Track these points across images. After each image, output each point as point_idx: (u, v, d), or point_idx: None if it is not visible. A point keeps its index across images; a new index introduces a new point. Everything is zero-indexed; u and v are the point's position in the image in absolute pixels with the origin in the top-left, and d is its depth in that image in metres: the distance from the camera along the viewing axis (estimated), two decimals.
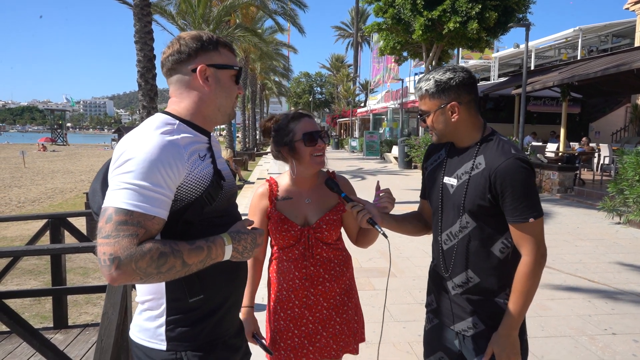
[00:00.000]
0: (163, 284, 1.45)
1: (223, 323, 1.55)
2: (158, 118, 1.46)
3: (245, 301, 2.13)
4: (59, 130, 67.18)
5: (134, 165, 1.29)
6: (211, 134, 1.64)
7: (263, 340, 2.14)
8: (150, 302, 1.48)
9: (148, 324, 1.48)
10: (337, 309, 2.18)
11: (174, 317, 1.46)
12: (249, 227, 1.53)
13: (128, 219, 1.25)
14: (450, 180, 1.90)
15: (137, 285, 1.51)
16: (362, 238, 2.25)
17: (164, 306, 1.46)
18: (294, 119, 2.08)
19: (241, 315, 1.96)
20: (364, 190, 14.62)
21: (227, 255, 1.42)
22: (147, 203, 1.28)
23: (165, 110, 1.53)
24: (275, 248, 2.18)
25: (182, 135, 1.43)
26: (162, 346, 1.46)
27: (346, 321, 2.20)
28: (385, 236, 1.89)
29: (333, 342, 2.16)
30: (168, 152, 1.34)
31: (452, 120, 1.83)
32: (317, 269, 2.13)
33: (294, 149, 2.05)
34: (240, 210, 9.73)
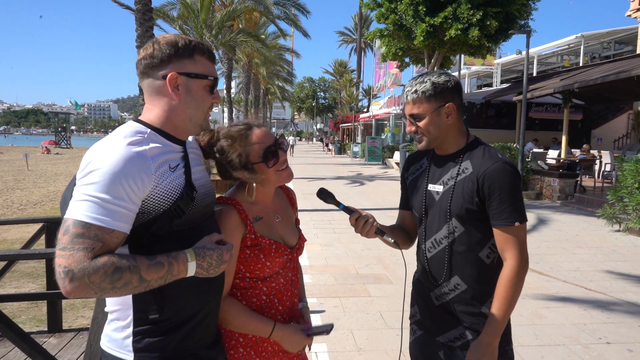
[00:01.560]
0: (130, 295, 1.41)
1: (194, 335, 1.51)
2: (129, 127, 1.42)
3: (266, 324, 1.71)
4: (62, 133, 67.31)
5: (97, 177, 1.27)
6: (190, 139, 1.60)
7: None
8: (118, 312, 1.45)
9: (116, 334, 1.45)
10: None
11: (141, 328, 1.43)
12: (217, 242, 1.48)
13: (85, 231, 1.23)
14: (435, 187, 1.89)
15: None
16: None
17: (130, 317, 1.43)
18: (242, 136, 1.69)
19: (281, 333, 1.72)
20: (362, 195, 14.58)
21: (191, 272, 1.38)
22: (106, 216, 1.25)
23: (139, 118, 1.49)
24: (244, 280, 1.74)
25: (152, 145, 1.38)
26: (130, 357, 1.42)
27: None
28: (397, 245, 1.86)
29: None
30: (133, 164, 1.31)
31: (448, 122, 1.83)
32: (295, 297, 1.89)
33: (253, 171, 1.70)
34: None
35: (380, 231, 1.85)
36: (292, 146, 36.97)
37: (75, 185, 1.40)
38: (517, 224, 1.72)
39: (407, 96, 1.86)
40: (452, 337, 1.87)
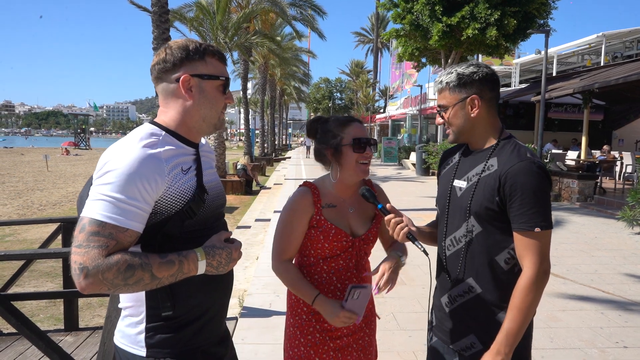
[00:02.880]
0: (143, 292, 1.47)
1: (204, 331, 1.56)
2: (144, 129, 1.48)
3: (311, 293, 1.94)
4: (82, 135, 68.34)
5: (112, 178, 1.32)
6: (202, 143, 1.65)
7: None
8: (131, 308, 1.51)
9: (129, 329, 1.51)
10: (365, 319, 2.11)
11: (153, 325, 1.48)
12: (226, 240, 1.53)
13: (100, 230, 1.28)
14: (459, 183, 1.83)
15: None
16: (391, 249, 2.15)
17: (143, 314, 1.48)
18: (345, 123, 2.01)
19: (320, 303, 1.90)
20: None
21: (201, 270, 1.43)
22: (121, 215, 1.31)
23: (154, 120, 1.55)
24: (310, 258, 2.04)
25: (166, 147, 1.44)
26: (142, 352, 1.48)
27: (372, 332, 2.17)
28: (426, 253, 1.81)
29: (363, 355, 2.09)
30: (147, 166, 1.36)
31: (472, 115, 1.77)
32: (360, 281, 2.05)
33: (340, 153, 1.97)
34: (266, 214, 9.74)
35: (412, 237, 1.80)
36: (309, 147, 36.87)
37: (91, 184, 1.45)
38: (537, 229, 1.60)
39: (435, 86, 1.87)
40: (464, 345, 1.80)
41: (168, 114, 1.53)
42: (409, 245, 1.96)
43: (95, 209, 1.30)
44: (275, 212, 10.83)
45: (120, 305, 1.56)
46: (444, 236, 1.88)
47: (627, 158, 13.92)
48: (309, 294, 1.94)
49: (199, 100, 1.51)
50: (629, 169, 13.67)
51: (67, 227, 4.25)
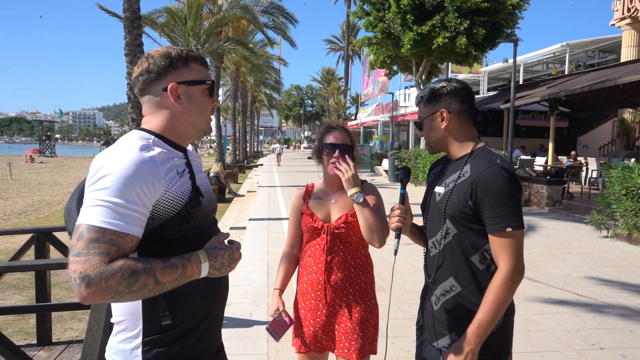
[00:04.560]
0: (139, 304, 1.42)
1: (201, 342, 1.53)
2: (134, 134, 1.45)
3: (276, 284, 2.43)
4: (47, 142, 66.58)
5: (109, 182, 1.28)
6: (190, 148, 1.63)
7: (273, 325, 2.32)
8: (126, 322, 1.45)
9: (123, 345, 1.45)
10: (350, 309, 2.29)
11: (150, 338, 1.43)
12: (226, 242, 1.51)
13: (100, 236, 1.24)
14: (438, 189, 1.95)
15: (113, 305, 1.49)
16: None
17: (140, 327, 1.43)
18: (326, 131, 2.42)
19: (272, 298, 2.37)
20: None
21: (204, 273, 1.40)
22: (120, 220, 1.27)
23: (140, 127, 1.52)
24: (304, 243, 2.44)
25: (159, 151, 1.41)
26: None
27: (359, 322, 2.28)
28: (395, 254, 1.95)
29: (345, 339, 2.27)
30: (144, 169, 1.33)
31: (442, 127, 1.90)
32: (333, 265, 2.29)
33: (320, 155, 2.39)
34: (241, 222, 9.60)
35: (398, 234, 1.97)
36: (279, 154, 36.68)
37: (81, 195, 1.40)
38: (509, 229, 1.69)
39: (415, 102, 2.05)
40: (446, 343, 1.87)
41: (155, 121, 1.50)
42: (392, 256, 2.06)
43: (93, 215, 1.26)
44: (250, 219, 10.73)
45: (112, 320, 1.50)
46: (426, 239, 2.01)
47: (592, 163, 14.36)
48: (276, 283, 2.44)
49: (188, 107, 1.50)
50: (594, 174, 14.10)
51: (40, 238, 4.10)
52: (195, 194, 1.47)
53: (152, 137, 1.45)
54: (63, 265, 3.03)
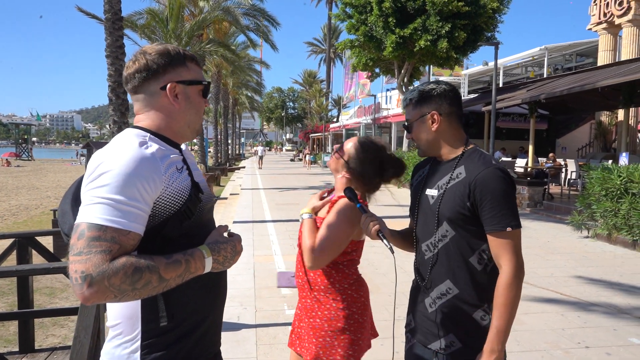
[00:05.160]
0: (138, 306, 1.38)
1: (200, 344, 1.49)
2: (130, 132, 1.42)
3: None
4: (24, 145, 65.36)
5: (109, 179, 1.24)
6: (182, 146, 1.60)
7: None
8: (123, 325, 1.40)
9: (119, 350, 1.40)
10: (317, 303, 2.19)
11: (149, 341, 1.39)
12: (225, 234, 1.49)
13: (101, 234, 1.20)
14: (430, 192, 1.93)
15: (108, 309, 1.44)
16: None
17: (138, 329, 1.38)
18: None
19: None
20: None
21: (208, 268, 1.37)
22: (122, 218, 1.23)
23: (134, 125, 1.49)
24: None
25: (157, 147, 1.38)
26: None
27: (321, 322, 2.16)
28: (392, 251, 1.93)
29: (313, 334, 2.16)
30: (145, 165, 1.30)
31: (432, 129, 1.89)
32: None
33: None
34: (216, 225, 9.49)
35: (382, 235, 1.94)
36: (261, 157, 36.54)
37: (75, 196, 1.37)
38: (509, 229, 1.72)
39: (402, 104, 2.01)
40: (443, 344, 1.86)
41: (149, 119, 1.47)
42: (379, 258, 1.99)
43: (94, 213, 1.22)
44: (234, 222, 10.67)
45: (108, 324, 1.45)
46: (420, 242, 1.98)
47: (571, 165, 14.61)
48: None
49: (186, 106, 1.48)
50: (574, 176, 14.34)
51: (22, 243, 4.01)
52: (195, 190, 1.45)
53: (148, 134, 1.43)
54: (49, 271, 2.97)
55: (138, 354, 1.38)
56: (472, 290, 1.82)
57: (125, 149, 1.31)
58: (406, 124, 1.99)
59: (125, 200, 1.24)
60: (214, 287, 1.52)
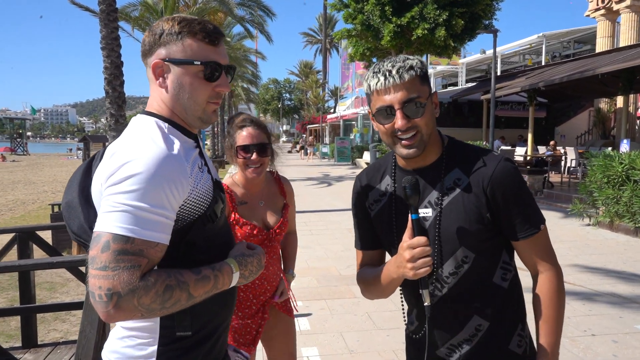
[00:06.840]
0: None
1: (214, 351, 1.40)
2: (149, 121, 1.29)
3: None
4: (19, 140, 65.12)
5: (136, 184, 1.12)
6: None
7: None
8: (141, 328, 1.30)
9: (134, 351, 1.29)
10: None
11: (166, 347, 1.29)
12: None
13: (129, 247, 1.08)
14: (423, 211, 1.45)
15: None
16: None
17: (157, 334, 1.28)
18: (239, 126, 2.17)
19: None
20: (333, 195, 14.51)
21: (234, 283, 1.29)
22: (150, 229, 1.12)
23: (146, 110, 1.34)
24: None
25: (179, 143, 1.25)
26: None
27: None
28: (427, 313, 1.46)
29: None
30: (172, 168, 1.17)
31: (436, 116, 1.47)
32: (268, 267, 2.25)
33: (236, 155, 2.16)
34: None
35: (426, 283, 1.38)
36: None
37: (82, 186, 1.27)
38: (542, 226, 1.44)
39: (397, 77, 1.36)
40: None
41: (155, 104, 1.33)
42: None
43: (119, 223, 1.09)
44: None
45: (122, 324, 1.32)
46: (418, 284, 1.41)
47: (571, 153, 14.59)
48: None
49: (175, 90, 1.28)
50: (573, 163, 14.32)
51: (22, 237, 3.95)
52: (218, 190, 1.33)
53: (167, 125, 1.29)
54: (52, 265, 2.92)
55: (154, 358, 1.28)
56: (504, 316, 1.48)
57: (150, 146, 1.19)
58: (417, 102, 1.37)
59: (152, 209, 1.13)
60: (229, 296, 1.41)
